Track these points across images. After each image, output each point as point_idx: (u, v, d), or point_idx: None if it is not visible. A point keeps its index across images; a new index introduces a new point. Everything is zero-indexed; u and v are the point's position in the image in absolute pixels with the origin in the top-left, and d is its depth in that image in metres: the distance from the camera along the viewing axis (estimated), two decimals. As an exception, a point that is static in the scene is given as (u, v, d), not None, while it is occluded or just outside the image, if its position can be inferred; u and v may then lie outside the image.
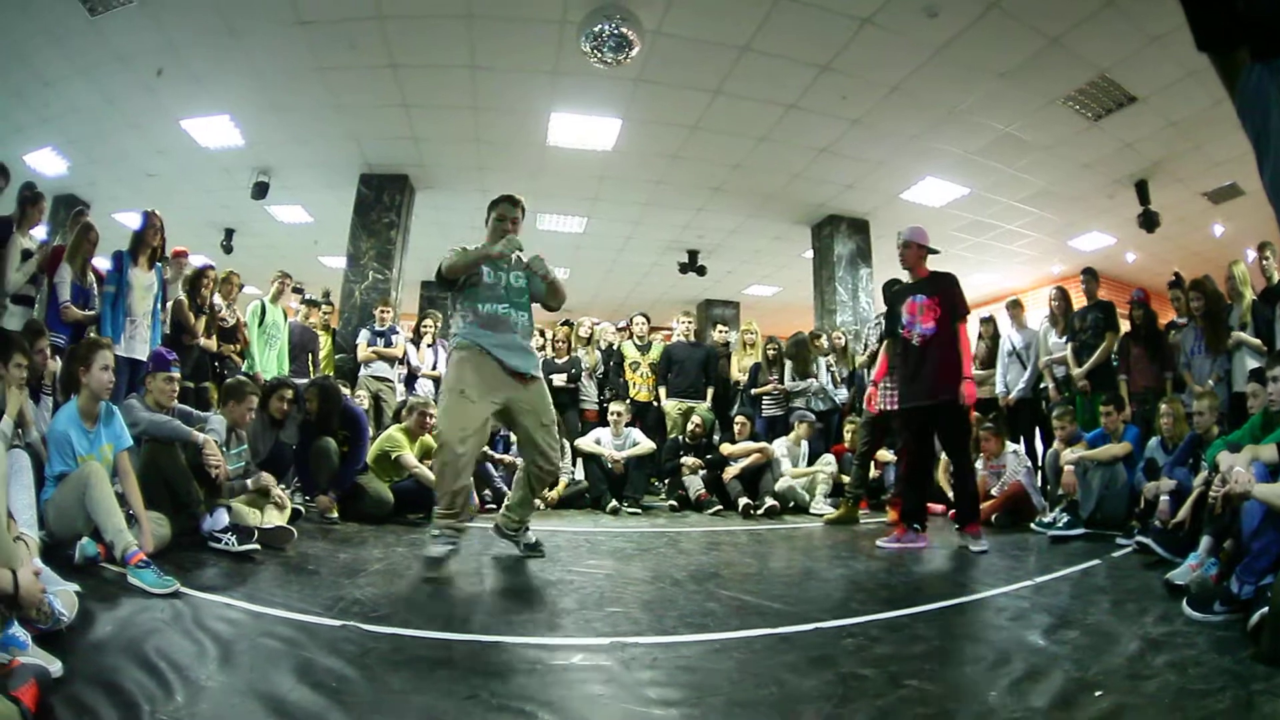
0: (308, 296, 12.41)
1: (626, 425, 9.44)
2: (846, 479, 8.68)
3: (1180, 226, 13.20)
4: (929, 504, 7.06)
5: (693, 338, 11.30)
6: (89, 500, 4.16)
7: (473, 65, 9.30)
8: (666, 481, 9.70)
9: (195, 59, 9.17)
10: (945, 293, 6.46)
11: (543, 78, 9.61)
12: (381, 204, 12.79)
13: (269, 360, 9.25)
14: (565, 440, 9.11)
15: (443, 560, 4.70)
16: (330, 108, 10.51)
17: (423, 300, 17.79)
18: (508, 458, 8.63)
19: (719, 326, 12.39)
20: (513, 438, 7.46)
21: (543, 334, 10.96)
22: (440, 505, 4.95)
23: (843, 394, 10.62)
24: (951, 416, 6.38)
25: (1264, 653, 3.08)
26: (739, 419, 9.66)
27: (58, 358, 6.12)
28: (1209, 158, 10.96)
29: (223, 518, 5.07)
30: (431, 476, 6.27)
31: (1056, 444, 7.89)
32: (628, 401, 10.04)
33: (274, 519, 5.66)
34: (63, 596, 3.01)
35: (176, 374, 5.71)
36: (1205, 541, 4.54)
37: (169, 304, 7.92)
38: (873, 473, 8.90)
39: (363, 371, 10.46)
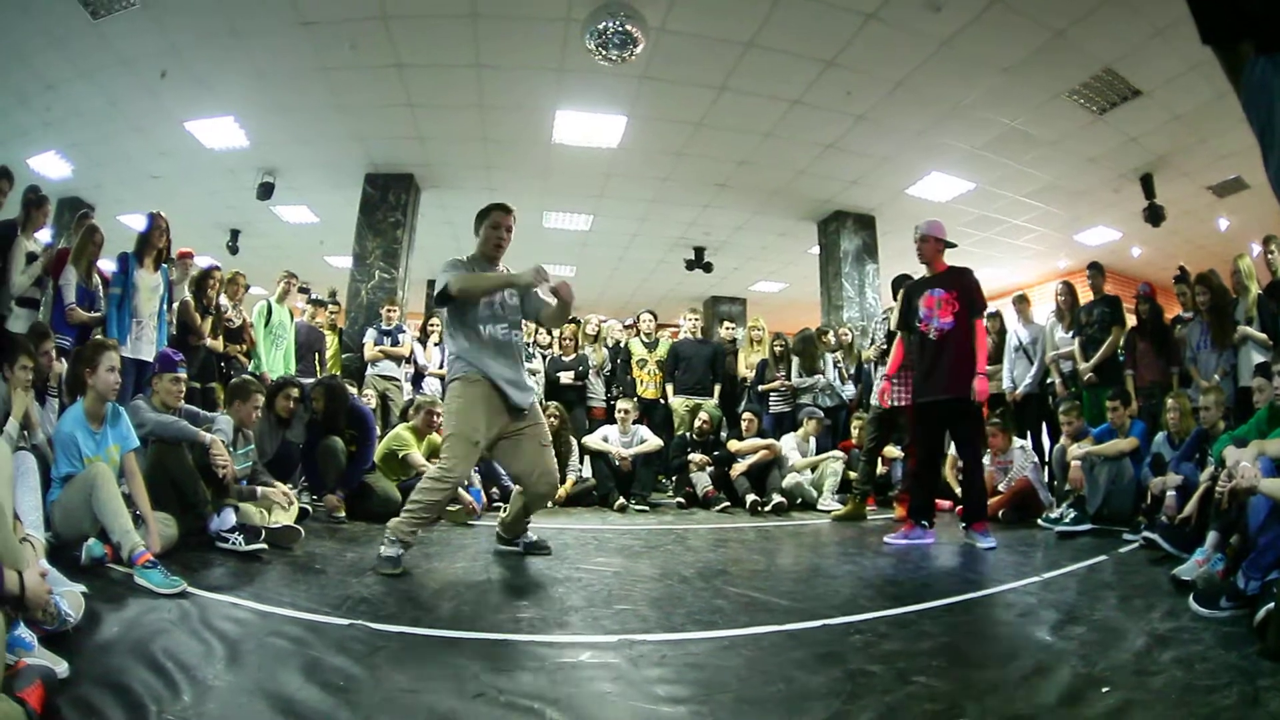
0: (314, 296, 12.47)
1: (634, 423, 9.41)
2: (853, 475, 8.66)
3: (1186, 220, 13.18)
4: (937, 500, 7.06)
5: (699, 334, 11.28)
6: (95, 501, 4.16)
7: (477, 64, 9.30)
8: (674, 479, 9.69)
9: (198, 61, 9.18)
10: (964, 287, 6.45)
11: (547, 76, 9.62)
12: (387, 203, 12.81)
13: (275, 360, 9.25)
14: (573, 438, 9.13)
15: (400, 560, 4.61)
16: (335, 108, 10.52)
17: (429, 299, 17.78)
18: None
19: (726, 323, 12.40)
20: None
21: (550, 332, 10.94)
22: (415, 520, 4.77)
23: (850, 390, 10.61)
24: (966, 412, 6.38)
25: (1270, 648, 3.07)
26: (746, 416, 9.67)
27: (63, 360, 6.13)
28: (1214, 151, 10.94)
29: (230, 517, 5.07)
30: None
31: (1063, 439, 7.87)
32: (635, 399, 10.01)
33: (281, 518, 5.65)
34: (69, 597, 3.01)
35: (183, 375, 5.72)
36: (1212, 537, 4.53)
37: (175, 305, 7.93)
38: (880, 469, 8.88)
39: (369, 371, 10.48)
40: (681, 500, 9.08)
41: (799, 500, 8.89)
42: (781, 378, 10.41)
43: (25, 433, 4.83)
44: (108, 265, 7.46)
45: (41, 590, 2.71)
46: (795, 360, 10.46)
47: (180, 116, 10.69)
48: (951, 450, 8.13)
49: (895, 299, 8.01)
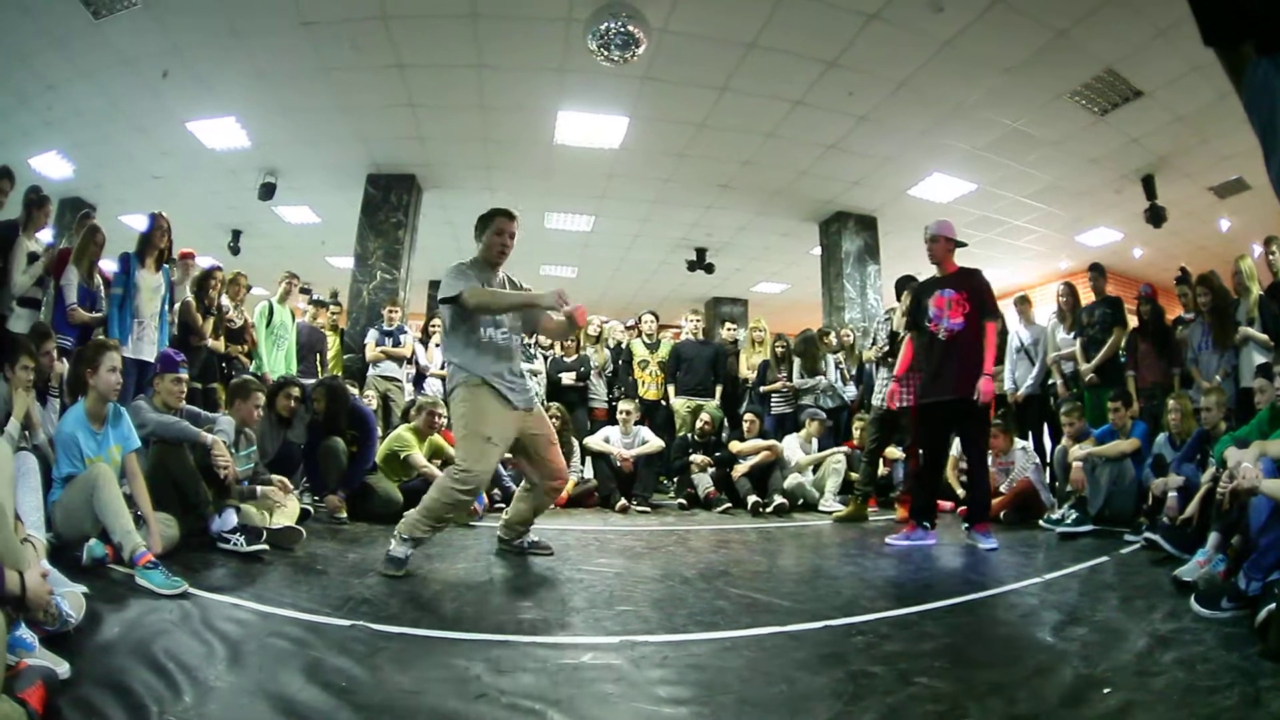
0: (315, 297, 12.46)
1: (635, 424, 9.41)
2: (855, 476, 8.66)
3: (1187, 221, 13.17)
4: (938, 501, 7.06)
5: (701, 335, 11.27)
6: (97, 502, 4.16)
7: (479, 64, 9.30)
8: (675, 480, 9.69)
9: (200, 61, 9.19)
10: (976, 289, 6.45)
11: (549, 76, 9.61)
12: (389, 204, 12.82)
13: (277, 361, 9.25)
14: (574, 439, 9.12)
15: (406, 561, 4.60)
16: (336, 108, 10.53)
17: (430, 300, 17.79)
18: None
19: (727, 324, 12.37)
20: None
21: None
22: (429, 520, 4.73)
23: (851, 391, 10.61)
24: (973, 413, 6.37)
25: (1271, 649, 3.07)
26: (748, 417, 9.67)
27: (65, 360, 6.14)
28: (1215, 152, 10.93)
29: (231, 518, 5.07)
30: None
31: (1065, 440, 7.87)
32: (637, 400, 10.00)
33: (282, 519, 5.65)
34: (70, 598, 3.01)
35: (184, 375, 5.71)
36: (1213, 538, 4.53)
37: (176, 305, 7.94)
38: (881, 470, 8.87)
39: (371, 371, 10.49)
40: (683, 501, 9.09)
41: (800, 501, 8.90)
42: (783, 379, 10.41)
43: (26, 433, 4.84)
44: (109, 265, 7.47)
45: (43, 591, 2.71)
46: (797, 361, 10.46)
47: (182, 117, 10.70)
48: (954, 451, 8.12)
49: (899, 300, 8.02)
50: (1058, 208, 13.52)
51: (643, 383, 10.72)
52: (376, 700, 2.56)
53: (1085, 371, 8.76)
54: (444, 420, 7.62)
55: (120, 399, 4.97)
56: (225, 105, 10.48)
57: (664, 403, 10.68)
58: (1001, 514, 7.58)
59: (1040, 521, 7.39)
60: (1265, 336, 7.51)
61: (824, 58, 8.97)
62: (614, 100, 10.23)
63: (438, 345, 11.04)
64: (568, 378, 10.31)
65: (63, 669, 2.53)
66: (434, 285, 17.34)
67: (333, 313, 11.86)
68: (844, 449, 9.43)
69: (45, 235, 7.32)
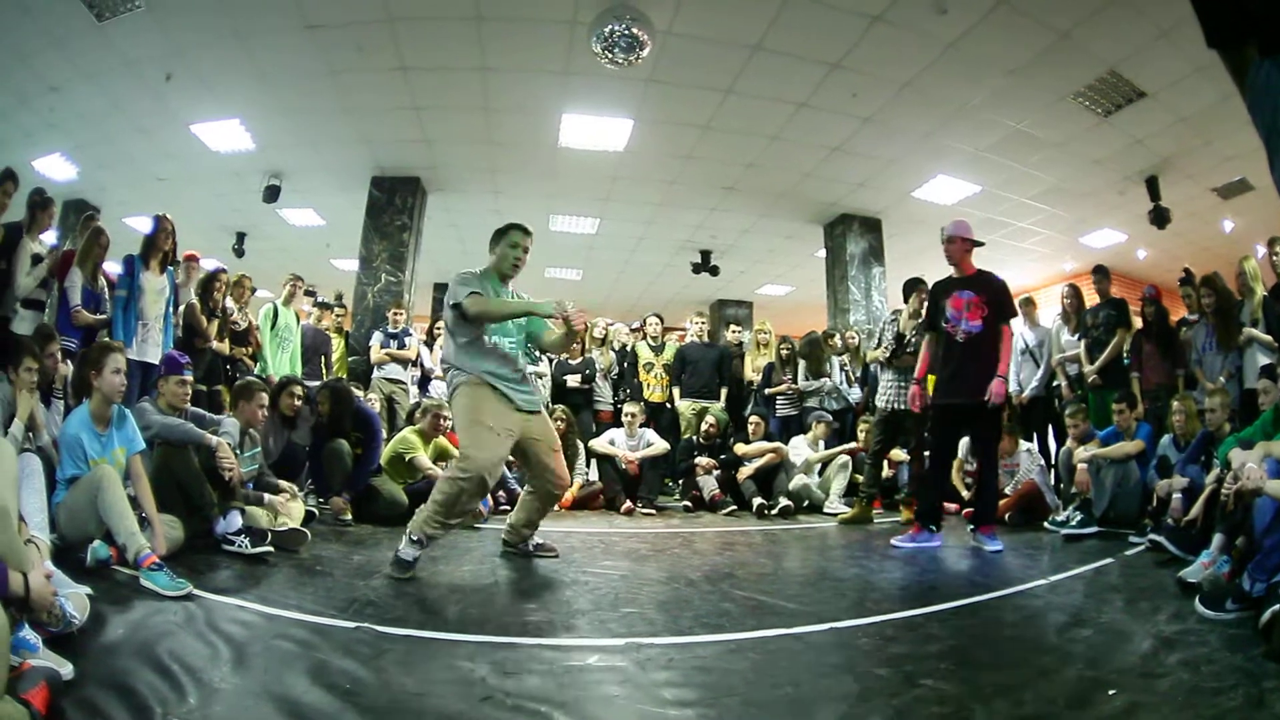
0: (320, 299, 12.45)
1: (640, 426, 9.43)
2: (860, 478, 8.65)
3: (1191, 222, 13.15)
4: (944, 503, 7.05)
5: (706, 338, 11.25)
6: (101, 503, 4.16)
7: (483, 67, 9.31)
8: (681, 482, 9.68)
9: (203, 63, 9.20)
10: (994, 293, 6.43)
11: (554, 79, 9.62)
12: (393, 206, 12.83)
13: (281, 363, 9.25)
14: (579, 441, 9.12)
15: (413, 564, 4.58)
16: (341, 111, 10.54)
17: (435, 302, 17.83)
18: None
19: (732, 326, 12.35)
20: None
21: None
22: (438, 517, 4.71)
23: (856, 393, 10.60)
24: (986, 416, 6.36)
25: (1275, 650, 3.07)
26: (753, 419, 9.65)
27: (69, 362, 6.15)
28: (1219, 153, 10.91)
29: (236, 520, 5.07)
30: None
31: (1069, 442, 7.86)
32: (642, 402, 10.02)
33: (287, 521, 5.65)
34: (74, 599, 3.01)
35: (189, 377, 5.72)
36: (1217, 539, 4.53)
37: (181, 307, 7.95)
38: (886, 472, 8.86)
39: (376, 374, 10.47)
40: (688, 503, 9.10)
41: (805, 503, 8.88)
42: (788, 381, 10.41)
43: (31, 434, 4.86)
44: (113, 268, 7.48)
45: (46, 592, 2.71)
46: (802, 363, 10.45)
47: (186, 119, 10.71)
48: (960, 453, 8.11)
49: (906, 302, 8.00)
50: (1062, 209, 13.51)
51: (648, 385, 10.72)
52: (382, 702, 2.56)
53: (1089, 372, 8.76)
54: (449, 423, 7.60)
55: (124, 401, 4.98)
56: (229, 108, 10.50)
57: (669, 405, 10.65)
58: (1006, 516, 7.55)
59: (1045, 523, 7.38)
60: (1269, 338, 7.49)
61: (828, 60, 8.97)
62: (618, 103, 10.23)
63: (442, 348, 11.03)
64: (573, 380, 10.30)
65: (66, 670, 2.52)
66: (438, 288, 17.39)
67: (337, 315, 11.85)
68: (853, 445, 9.43)
69: (49, 237, 7.32)
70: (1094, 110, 9.88)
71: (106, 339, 6.45)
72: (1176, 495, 5.81)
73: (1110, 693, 2.71)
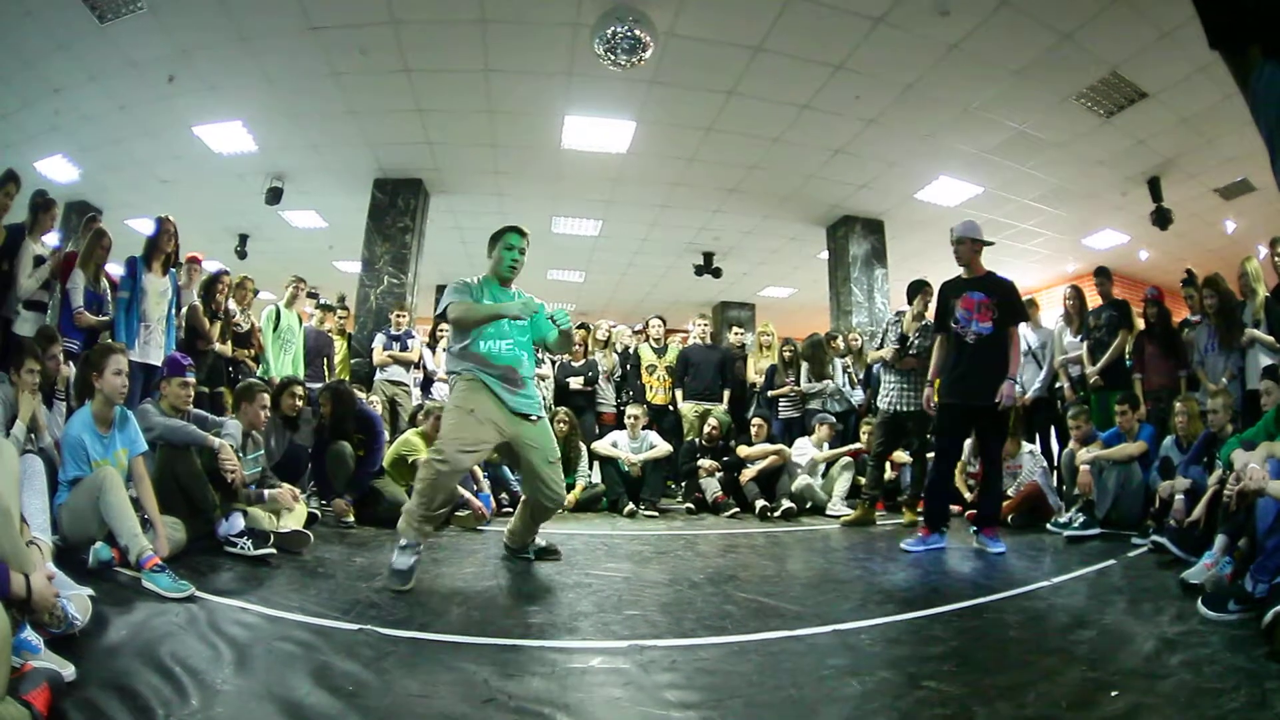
0: (323, 301, 12.45)
1: (643, 428, 9.43)
2: (862, 480, 8.65)
3: (1193, 223, 13.13)
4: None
5: (709, 340, 11.24)
6: (104, 505, 4.17)
7: (486, 69, 9.31)
8: (683, 484, 9.70)
9: (207, 65, 9.21)
10: (1005, 295, 6.43)
11: (556, 81, 9.62)
12: (396, 208, 12.83)
13: (284, 365, 9.25)
14: (582, 443, 9.12)
15: (411, 573, 4.44)
16: (344, 113, 10.55)
17: (438, 304, 17.78)
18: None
19: (735, 328, 12.33)
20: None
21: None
22: (422, 510, 4.60)
23: (859, 395, 10.58)
24: (994, 417, 6.36)
25: (1278, 651, 3.07)
26: (755, 421, 9.64)
27: (71, 363, 6.16)
28: (1220, 153, 10.90)
29: (238, 522, 5.08)
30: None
31: (1072, 444, 7.85)
32: (644, 404, 10.03)
33: (290, 523, 5.66)
34: (76, 601, 3.02)
35: (191, 379, 5.70)
36: (1220, 540, 4.54)
37: (183, 309, 7.95)
38: (889, 474, 8.86)
39: (378, 376, 10.47)
40: (691, 506, 9.10)
41: (808, 504, 8.88)
42: (791, 383, 10.38)
43: (33, 436, 4.86)
44: (116, 269, 7.49)
45: (48, 593, 2.72)
46: (804, 365, 10.42)
47: (189, 121, 10.72)
48: (964, 454, 8.11)
49: (910, 303, 7.98)
50: (1064, 210, 13.49)
51: (650, 387, 10.72)
52: (384, 705, 2.56)
53: (1091, 374, 8.74)
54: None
55: (127, 402, 4.98)
56: (232, 110, 10.50)
57: (672, 407, 10.65)
58: (1009, 517, 7.55)
59: (1048, 525, 7.36)
60: (1271, 338, 7.47)
61: (831, 61, 8.97)
62: (621, 104, 10.23)
63: (445, 350, 11.03)
64: (576, 382, 10.31)
65: (68, 671, 2.53)
66: (441, 290, 17.33)
67: (340, 317, 11.86)
68: (853, 446, 9.43)
69: (51, 239, 7.31)
70: (1096, 111, 9.87)
71: (109, 340, 6.45)
72: (1179, 496, 5.80)
73: (1113, 694, 2.71)
